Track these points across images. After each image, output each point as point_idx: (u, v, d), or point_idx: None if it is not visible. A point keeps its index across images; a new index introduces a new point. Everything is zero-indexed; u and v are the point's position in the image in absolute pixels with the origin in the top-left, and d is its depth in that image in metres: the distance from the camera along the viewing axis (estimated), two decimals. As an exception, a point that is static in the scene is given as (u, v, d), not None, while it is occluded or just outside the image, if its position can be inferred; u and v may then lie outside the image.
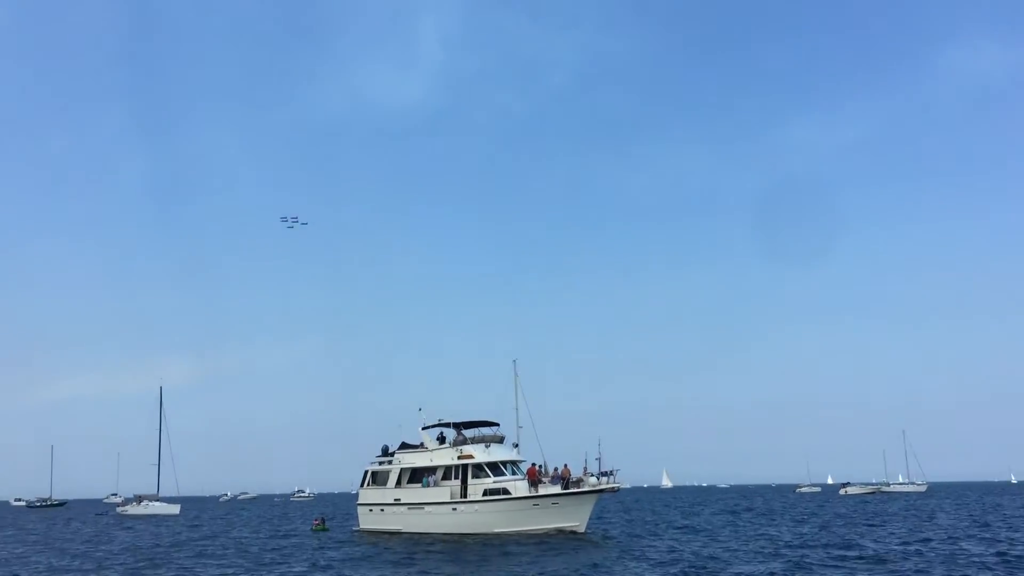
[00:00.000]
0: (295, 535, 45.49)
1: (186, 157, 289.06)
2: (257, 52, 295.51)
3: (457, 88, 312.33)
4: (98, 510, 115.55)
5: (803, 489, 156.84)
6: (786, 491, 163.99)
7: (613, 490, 39.32)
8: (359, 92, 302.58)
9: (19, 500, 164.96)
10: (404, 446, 43.58)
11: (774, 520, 50.98)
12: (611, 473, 39.01)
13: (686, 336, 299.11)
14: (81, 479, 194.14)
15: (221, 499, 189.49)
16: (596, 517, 49.83)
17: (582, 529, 38.24)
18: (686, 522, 50.30)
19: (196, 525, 60.40)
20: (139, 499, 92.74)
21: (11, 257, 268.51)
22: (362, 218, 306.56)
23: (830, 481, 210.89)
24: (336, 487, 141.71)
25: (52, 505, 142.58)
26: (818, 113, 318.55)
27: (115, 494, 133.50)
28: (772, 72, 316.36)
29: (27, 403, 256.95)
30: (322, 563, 28.47)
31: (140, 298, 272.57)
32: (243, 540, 41.89)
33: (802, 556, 27.47)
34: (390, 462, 43.34)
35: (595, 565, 25.59)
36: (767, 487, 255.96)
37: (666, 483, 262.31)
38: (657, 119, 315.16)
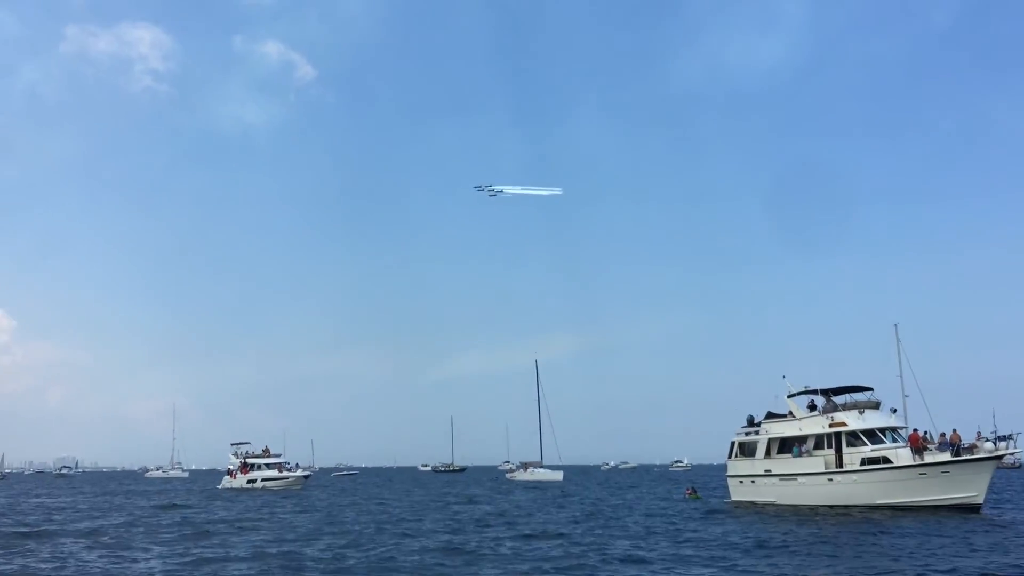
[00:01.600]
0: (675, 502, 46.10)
1: (557, 142, 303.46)
2: (615, 31, 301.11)
3: (821, 42, 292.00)
4: (491, 476, 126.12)
5: None
6: None
7: (1015, 464, 34.82)
8: (716, 59, 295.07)
9: (425, 465, 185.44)
10: (770, 415, 42.02)
11: None
12: (1011, 437, 34.49)
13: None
14: (476, 447, 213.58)
15: (603, 467, 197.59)
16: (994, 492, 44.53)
17: (980, 500, 34.24)
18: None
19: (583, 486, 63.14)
20: (525, 466, 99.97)
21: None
22: (728, 189, 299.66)
23: None
24: (712, 458, 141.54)
25: (454, 471, 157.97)
26: None
27: (507, 461, 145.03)
28: None
29: (430, 379, 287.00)
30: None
31: (523, 279, 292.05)
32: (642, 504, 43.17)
33: None
34: (756, 432, 42.10)
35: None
36: None
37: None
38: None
